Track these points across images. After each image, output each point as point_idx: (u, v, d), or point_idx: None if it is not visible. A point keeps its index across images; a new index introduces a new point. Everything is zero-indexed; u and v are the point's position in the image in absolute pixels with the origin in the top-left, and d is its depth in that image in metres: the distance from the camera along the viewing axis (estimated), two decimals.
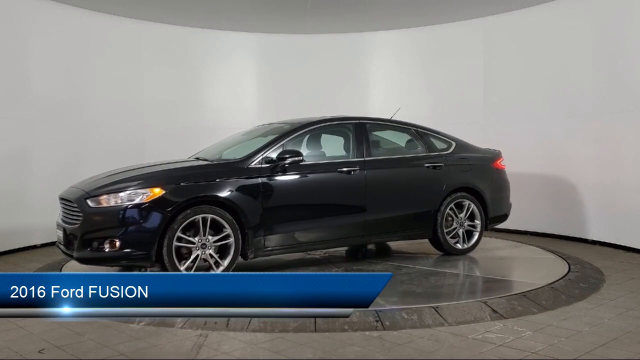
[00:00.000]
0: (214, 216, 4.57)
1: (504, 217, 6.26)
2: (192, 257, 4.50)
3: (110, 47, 7.81)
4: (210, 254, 4.56)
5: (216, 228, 4.62)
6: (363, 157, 5.39)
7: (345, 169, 5.24)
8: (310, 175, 5.14)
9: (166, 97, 8.35)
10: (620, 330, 3.62)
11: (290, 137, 5.20)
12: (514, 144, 6.66)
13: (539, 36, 7.48)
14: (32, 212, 6.91)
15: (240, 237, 4.67)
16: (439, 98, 8.40)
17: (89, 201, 4.51)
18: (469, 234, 5.89)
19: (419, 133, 5.91)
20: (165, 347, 3.40)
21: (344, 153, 5.53)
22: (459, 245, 5.80)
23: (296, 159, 4.92)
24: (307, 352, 3.29)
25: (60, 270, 5.27)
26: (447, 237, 5.72)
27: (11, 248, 6.66)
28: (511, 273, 5.20)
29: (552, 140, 7.26)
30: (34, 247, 6.95)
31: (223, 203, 4.64)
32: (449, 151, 5.92)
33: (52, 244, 7.02)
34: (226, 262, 4.62)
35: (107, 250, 4.38)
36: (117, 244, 4.36)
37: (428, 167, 5.70)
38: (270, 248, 4.90)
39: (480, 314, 3.88)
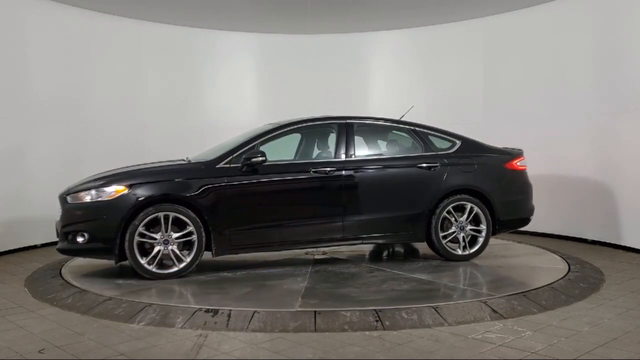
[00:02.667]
0: (176, 214, 4.79)
1: (522, 221, 5.90)
2: (154, 252, 4.75)
3: (110, 47, 7.82)
4: (172, 250, 4.79)
5: (183, 225, 4.83)
6: (344, 158, 5.32)
7: (320, 170, 5.21)
8: (281, 176, 5.16)
9: (166, 97, 8.35)
10: (620, 330, 3.62)
11: (265, 138, 5.27)
12: (513, 143, 6.64)
13: (539, 36, 7.49)
14: (32, 212, 6.91)
15: (204, 234, 4.86)
16: (439, 98, 8.41)
17: (68, 197, 4.93)
18: (474, 239, 5.58)
19: (416, 132, 5.68)
20: (165, 347, 3.40)
21: (325, 153, 5.51)
22: (458, 251, 5.50)
23: (259, 159, 4.98)
24: (307, 352, 3.29)
25: (60, 271, 5.27)
26: (444, 242, 5.45)
27: (11, 248, 6.66)
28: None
29: (551, 139, 7.27)
30: (34, 247, 6.95)
31: (186, 201, 4.83)
32: (451, 150, 5.65)
33: (52, 244, 7.04)
34: (188, 259, 4.85)
35: (79, 242, 4.78)
36: (86, 237, 4.76)
37: (420, 167, 5.46)
38: (236, 246, 5.02)
39: (480, 314, 3.89)
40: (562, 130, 7.17)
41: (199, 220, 4.85)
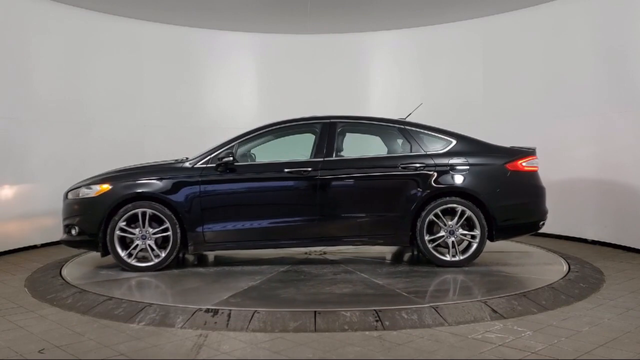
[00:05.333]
0: (153, 211, 5.11)
1: (529, 227, 5.45)
2: (133, 245, 5.11)
3: (110, 47, 7.82)
4: (149, 245, 5.12)
5: (161, 222, 5.15)
6: (322, 158, 5.28)
7: (295, 170, 5.21)
8: (254, 176, 5.28)
9: (166, 97, 8.36)
10: (620, 330, 3.62)
11: (244, 139, 5.40)
12: (513, 143, 6.64)
13: (539, 36, 7.49)
14: (32, 212, 6.91)
15: (179, 231, 5.12)
16: (438, 98, 8.40)
17: (68, 194, 5.38)
18: (470, 244, 5.27)
19: (405, 131, 5.46)
20: (165, 347, 3.40)
21: (305, 154, 5.47)
22: (447, 257, 5.20)
23: (227, 159, 5.14)
24: (307, 352, 3.29)
25: (60, 271, 5.28)
26: (430, 246, 5.18)
27: (11, 248, 6.66)
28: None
29: (551, 139, 7.26)
30: (34, 247, 6.95)
31: (162, 199, 5.12)
32: (443, 150, 5.34)
33: (52, 244, 7.06)
34: (163, 253, 5.14)
35: (73, 234, 5.24)
36: (77, 230, 5.22)
37: (404, 168, 5.25)
38: (210, 243, 5.22)
39: (480, 314, 3.89)
40: (562, 130, 7.17)
41: (174, 218, 5.11)
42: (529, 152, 5.47)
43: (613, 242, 6.60)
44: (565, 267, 5.22)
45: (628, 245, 6.38)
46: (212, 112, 8.65)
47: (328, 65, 8.93)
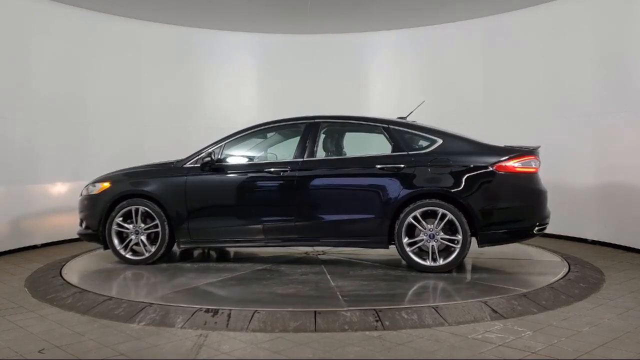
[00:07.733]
0: (145, 208, 5.43)
1: (520, 232, 5.04)
2: (127, 240, 5.46)
3: (110, 47, 7.82)
4: (141, 240, 5.44)
5: (154, 218, 5.43)
6: (302, 158, 5.26)
7: (274, 170, 5.26)
8: (235, 176, 5.39)
9: (166, 97, 8.36)
10: (620, 330, 3.62)
11: (231, 140, 5.53)
12: (513, 143, 6.65)
13: (539, 36, 7.49)
14: (32, 211, 6.91)
15: (167, 227, 5.39)
16: (438, 98, 8.39)
17: (83, 190, 5.79)
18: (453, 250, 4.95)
19: (389, 130, 5.27)
20: (165, 347, 3.40)
21: (288, 154, 5.50)
22: (427, 261, 4.93)
23: (207, 159, 5.35)
24: (307, 352, 3.30)
25: (60, 271, 5.28)
26: (408, 250, 4.96)
27: (11, 248, 6.66)
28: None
29: (552, 140, 7.25)
30: (35, 247, 6.95)
31: (152, 197, 5.42)
32: (426, 150, 5.10)
33: (53, 244, 7.06)
34: (153, 248, 5.44)
35: (84, 228, 5.67)
36: (84, 223, 5.66)
37: (381, 168, 5.09)
38: (195, 239, 5.42)
39: (480, 314, 3.89)
40: (562, 130, 7.17)
41: (163, 215, 5.38)
42: (524, 152, 5.02)
43: (613, 242, 6.60)
44: (565, 267, 5.21)
45: (628, 245, 6.38)
46: (212, 112, 8.65)
47: (328, 65, 8.93)
